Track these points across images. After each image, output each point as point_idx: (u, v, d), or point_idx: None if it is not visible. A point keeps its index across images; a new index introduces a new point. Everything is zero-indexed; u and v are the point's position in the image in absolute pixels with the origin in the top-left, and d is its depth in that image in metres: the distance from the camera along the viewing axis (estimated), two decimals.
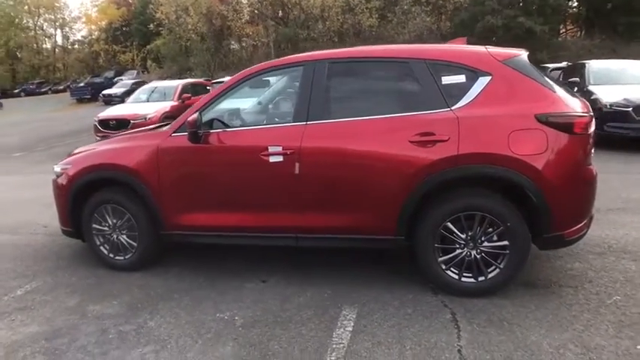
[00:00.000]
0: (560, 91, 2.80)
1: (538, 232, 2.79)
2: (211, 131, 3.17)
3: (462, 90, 2.78)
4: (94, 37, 39.49)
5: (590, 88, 8.30)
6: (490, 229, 2.80)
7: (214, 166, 3.20)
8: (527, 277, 3.14)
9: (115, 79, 30.33)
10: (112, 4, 38.17)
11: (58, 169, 3.79)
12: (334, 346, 2.48)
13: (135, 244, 3.57)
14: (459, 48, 3.18)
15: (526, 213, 2.79)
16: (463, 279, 2.88)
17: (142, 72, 34.37)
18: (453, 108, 2.76)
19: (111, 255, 3.67)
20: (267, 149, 3.01)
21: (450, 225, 2.82)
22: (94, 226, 3.65)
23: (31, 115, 24.47)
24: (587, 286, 3.01)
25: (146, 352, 2.58)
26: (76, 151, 3.95)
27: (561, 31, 28.71)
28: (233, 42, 34.26)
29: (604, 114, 7.74)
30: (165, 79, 21.94)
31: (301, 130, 2.97)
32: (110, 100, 22.85)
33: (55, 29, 42.52)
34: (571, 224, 2.78)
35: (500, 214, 2.73)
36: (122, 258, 3.64)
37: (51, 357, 2.60)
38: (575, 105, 2.77)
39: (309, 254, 3.54)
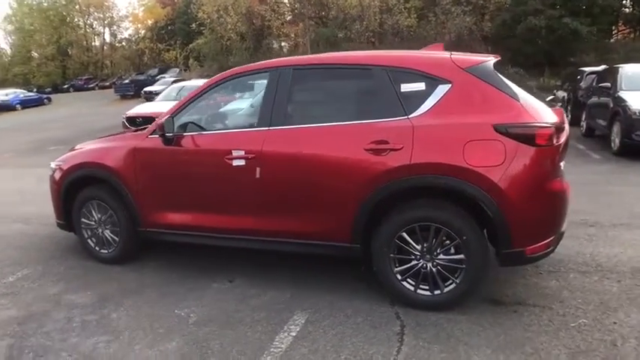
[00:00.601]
0: (526, 100, 2.67)
1: (498, 247, 2.69)
2: (183, 134, 3.26)
3: (420, 98, 2.72)
4: (140, 35, 41.25)
5: (621, 94, 7.82)
6: (447, 242, 2.72)
7: (184, 168, 3.30)
8: (495, 292, 3.03)
9: (158, 77, 31.48)
10: (157, 3, 39.68)
11: (53, 165, 4.02)
12: (272, 349, 2.51)
13: (117, 239, 3.73)
14: (420, 55, 3.10)
15: (487, 227, 2.70)
16: (419, 291, 2.81)
17: (184, 70, 35.51)
18: (410, 116, 2.70)
19: (97, 248, 3.85)
20: (231, 153, 3.07)
21: (405, 235, 2.76)
22: (83, 220, 3.85)
23: (76, 110, 25.86)
24: (556, 307, 2.86)
25: (99, 342, 2.71)
26: (77, 147, 4.16)
27: (613, 32, 27.14)
28: (273, 41, 34.76)
29: (633, 122, 7.30)
30: (205, 78, 22.59)
31: (263, 135, 3.00)
32: (151, 97, 23.70)
33: (104, 27, 44.83)
34: (533, 241, 2.66)
35: (456, 227, 2.64)
36: (106, 251, 3.82)
37: (17, 340, 2.78)
38: (541, 115, 2.64)
39: (281, 256, 3.57)
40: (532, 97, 2.83)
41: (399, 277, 2.84)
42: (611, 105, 7.99)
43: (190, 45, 34.94)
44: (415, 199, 2.75)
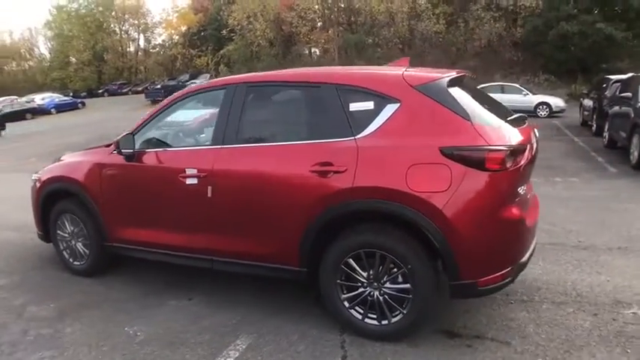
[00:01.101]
0: (482, 120, 2.50)
1: (448, 278, 2.53)
2: (145, 150, 3.27)
3: (369, 117, 2.60)
4: (173, 41, 42.30)
5: None
6: (394, 270, 2.58)
7: (143, 185, 3.31)
8: (454, 323, 2.87)
9: (188, 82, 32.22)
10: (190, 10, 40.64)
11: (34, 176, 4.11)
12: None
13: (88, 252, 3.78)
14: (372, 72, 2.98)
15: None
16: (367, 320, 2.69)
17: (214, 76, 36.21)
18: (357, 137, 2.59)
19: (70, 260, 3.91)
20: (184, 171, 3.04)
21: (351, 261, 2.64)
22: (58, 232, 3.92)
23: (108, 114, 26.82)
24: (515, 343, 2.67)
25: (45, 357, 2.72)
26: (62, 157, 4.25)
27: None
28: (303, 48, 34.99)
29: None
30: None
31: (215, 154, 2.96)
32: None
33: (139, 34, 46.20)
34: (486, 272, 2.48)
35: (400, 255, 2.51)
36: (79, 264, 3.87)
37: None
38: (499, 136, 2.46)
39: (251, 276, 3.51)
40: (495, 116, 2.64)
41: (347, 304, 2.72)
42: (632, 116, 7.54)
43: (221, 51, 35.63)
44: (360, 224, 2.63)
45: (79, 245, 3.82)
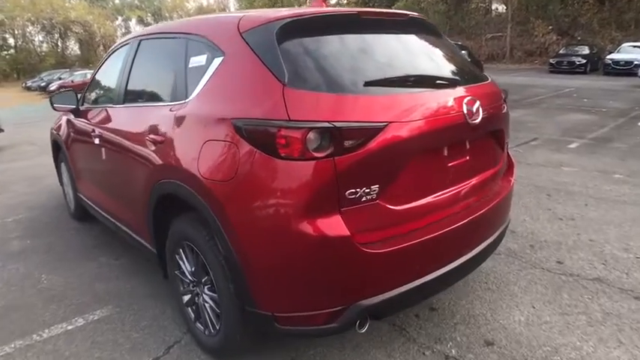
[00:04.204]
0: (308, 84, 1.65)
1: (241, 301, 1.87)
2: (79, 108, 3.31)
3: (199, 75, 2.01)
4: None
5: None
6: (206, 275, 2.03)
7: (77, 142, 3.37)
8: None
9: None
10: None
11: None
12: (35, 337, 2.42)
13: (73, 200, 4.04)
14: (215, 17, 2.26)
15: None
16: (197, 324, 2.23)
17: None
18: (187, 100, 2.05)
19: (69, 206, 4.24)
20: (94, 131, 2.96)
21: (181, 252, 2.19)
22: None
23: None
24: None
25: None
26: None
27: None
28: (473, 4, 31.19)
29: None
30: None
31: (107, 114, 2.79)
32: None
33: None
34: (288, 306, 1.74)
35: (208, 257, 1.94)
36: (72, 209, 4.15)
37: None
38: (317, 107, 1.60)
39: None
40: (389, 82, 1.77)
41: (185, 299, 2.29)
42: None
43: (393, 6, 34.15)
44: (189, 211, 2.10)
45: (70, 192, 4.10)
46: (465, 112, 1.89)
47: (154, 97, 2.43)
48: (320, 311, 1.70)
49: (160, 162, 2.11)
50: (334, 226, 1.59)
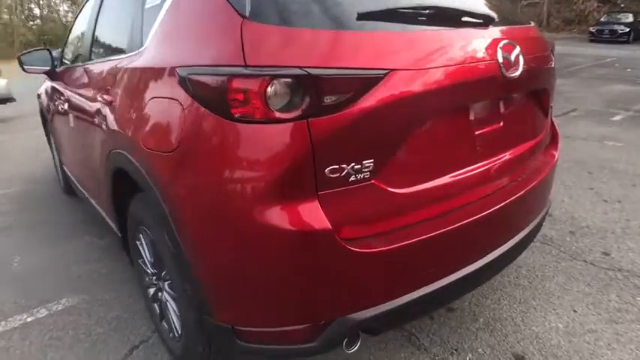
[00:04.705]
0: (282, 19, 1.17)
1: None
2: (57, 70, 2.91)
3: (155, 16, 1.56)
4: None
5: None
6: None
7: (55, 109, 2.98)
8: None
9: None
10: None
11: None
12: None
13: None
14: None
15: None
16: (164, 322, 1.86)
17: None
18: (140, 49, 1.61)
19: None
20: (63, 95, 2.58)
21: (141, 238, 1.81)
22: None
23: None
24: None
25: None
26: None
27: None
28: None
29: None
30: None
31: (76, 75, 2.39)
32: None
33: None
34: (246, 317, 1.33)
35: (157, 244, 1.56)
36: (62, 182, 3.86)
37: None
38: (289, 50, 1.13)
39: None
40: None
41: (150, 292, 1.93)
42: None
43: None
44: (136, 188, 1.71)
45: (58, 165, 3.78)
46: (501, 60, 1.39)
47: (114, 50, 1.99)
48: (293, 327, 1.28)
49: (109, 128, 1.70)
50: (309, 215, 1.15)
